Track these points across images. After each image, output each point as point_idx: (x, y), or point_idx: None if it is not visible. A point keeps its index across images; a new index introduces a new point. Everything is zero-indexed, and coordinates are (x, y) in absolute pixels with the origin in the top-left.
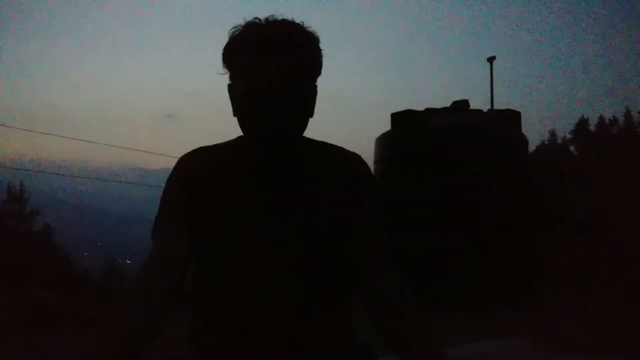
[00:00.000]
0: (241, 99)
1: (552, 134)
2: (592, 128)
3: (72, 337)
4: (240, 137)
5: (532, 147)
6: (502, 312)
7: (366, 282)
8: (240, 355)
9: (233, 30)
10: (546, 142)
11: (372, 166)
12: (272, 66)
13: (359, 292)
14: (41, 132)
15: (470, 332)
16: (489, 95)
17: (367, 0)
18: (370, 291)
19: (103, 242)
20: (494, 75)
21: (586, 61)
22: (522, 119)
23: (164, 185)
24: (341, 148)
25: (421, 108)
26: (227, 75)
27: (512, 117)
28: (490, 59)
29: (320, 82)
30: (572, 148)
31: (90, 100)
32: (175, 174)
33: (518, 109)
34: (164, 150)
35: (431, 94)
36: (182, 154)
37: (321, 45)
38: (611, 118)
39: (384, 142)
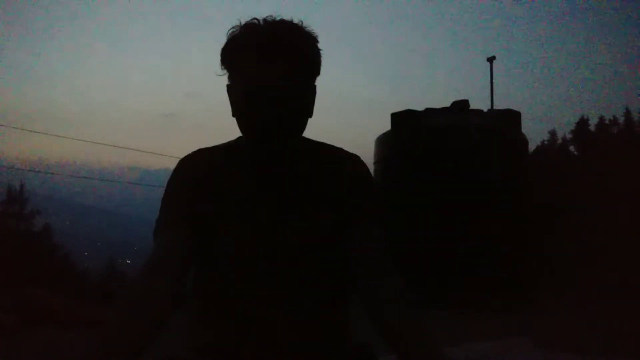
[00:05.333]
0: (240, 99)
1: (552, 134)
2: (592, 128)
3: (72, 337)
4: (240, 137)
5: (532, 147)
6: (502, 312)
7: (365, 284)
8: (240, 355)
9: (231, 30)
10: (546, 142)
11: (372, 166)
12: (271, 66)
13: (358, 292)
14: (41, 132)
15: (470, 332)
16: (489, 95)
17: (367, 0)
18: (369, 292)
19: (103, 242)
20: (494, 75)
21: (586, 61)
22: (522, 119)
23: (164, 185)
24: (340, 149)
25: (421, 108)
26: (227, 76)
27: (512, 117)
28: (490, 59)
29: (320, 82)
30: (572, 148)
31: (90, 100)
32: (176, 175)
33: (518, 109)
34: (164, 150)
35: (431, 94)
36: (183, 154)
37: (320, 45)
38: (611, 118)
39: (384, 142)
